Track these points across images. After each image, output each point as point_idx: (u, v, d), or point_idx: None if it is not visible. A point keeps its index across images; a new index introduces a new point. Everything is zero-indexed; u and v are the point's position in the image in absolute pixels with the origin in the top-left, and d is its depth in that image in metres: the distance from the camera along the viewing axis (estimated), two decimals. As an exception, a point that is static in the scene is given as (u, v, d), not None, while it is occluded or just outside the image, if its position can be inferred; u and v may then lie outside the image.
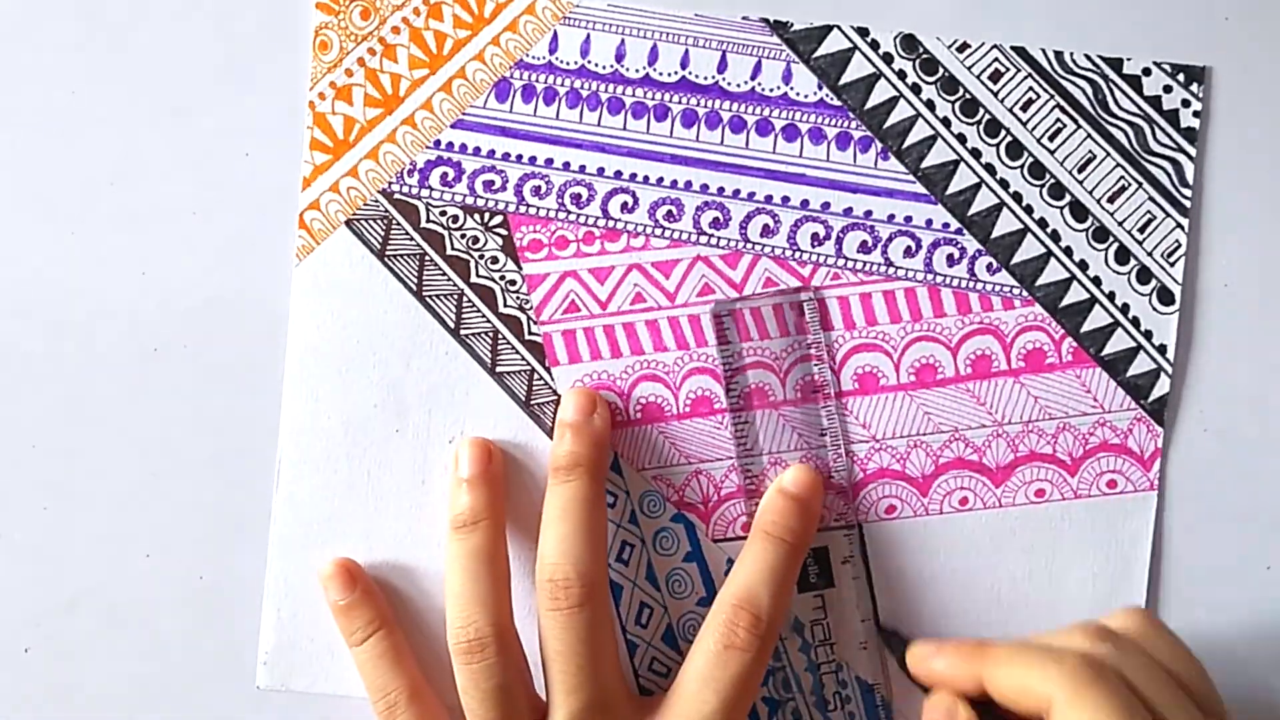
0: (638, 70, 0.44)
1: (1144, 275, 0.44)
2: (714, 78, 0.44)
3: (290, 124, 0.44)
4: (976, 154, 0.44)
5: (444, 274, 0.44)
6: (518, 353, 0.44)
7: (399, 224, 0.44)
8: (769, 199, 0.44)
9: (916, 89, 0.44)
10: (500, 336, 0.44)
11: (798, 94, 0.44)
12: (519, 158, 0.44)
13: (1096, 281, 0.44)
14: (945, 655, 0.40)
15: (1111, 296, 0.44)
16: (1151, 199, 0.44)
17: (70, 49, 0.44)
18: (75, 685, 0.45)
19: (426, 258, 0.44)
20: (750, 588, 0.41)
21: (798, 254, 0.44)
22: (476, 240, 0.44)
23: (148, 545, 0.45)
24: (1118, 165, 0.44)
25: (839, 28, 0.44)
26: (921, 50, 0.44)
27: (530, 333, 0.44)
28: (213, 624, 0.44)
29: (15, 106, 0.44)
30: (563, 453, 0.42)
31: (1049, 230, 0.44)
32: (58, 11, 0.44)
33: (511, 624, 0.42)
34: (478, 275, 0.44)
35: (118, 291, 0.44)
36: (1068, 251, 0.44)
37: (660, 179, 0.44)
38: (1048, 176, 0.44)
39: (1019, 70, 0.44)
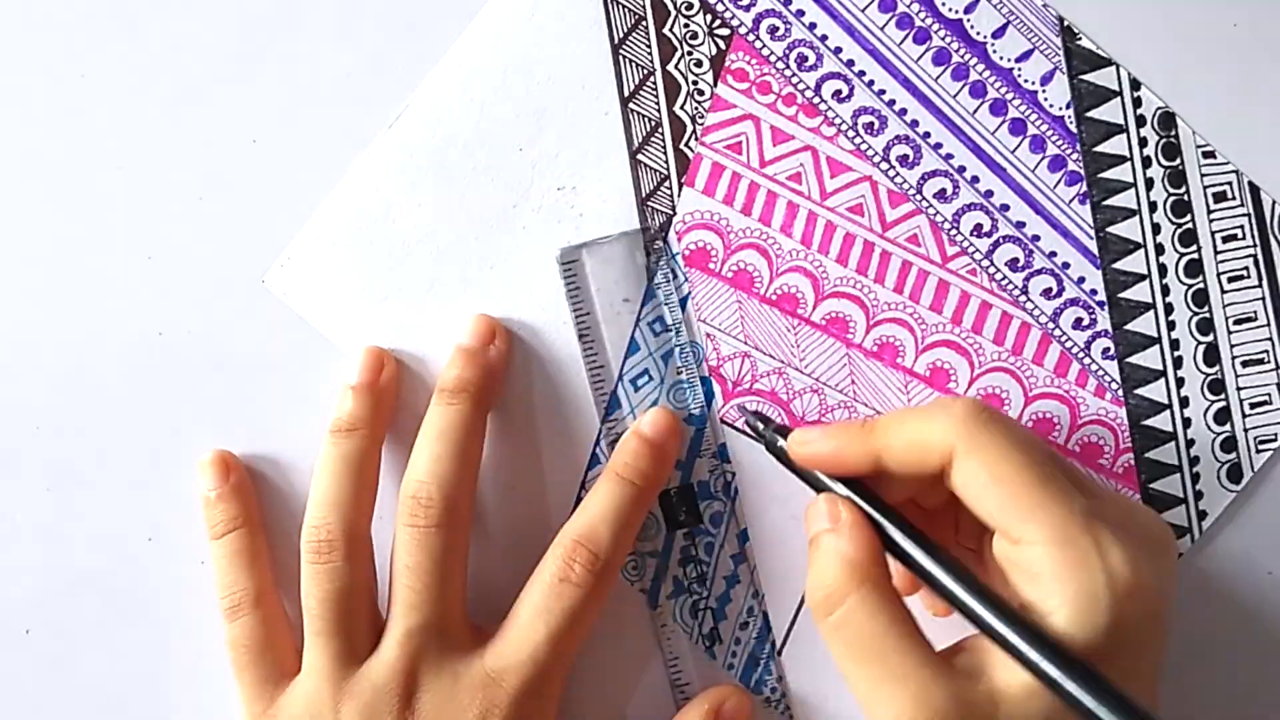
0: (926, -13, 0.44)
1: (1229, 445, 0.44)
2: (986, 39, 0.44)
3: (297, 110, 0.44)
4: (1160, 250, 0.44)
5: (648, 45, 0.44)
6: (664, 152, 0.44)
7: (640, -21, 0.44)
8: (961, 169, 0.44)
9: (1147, 162, 0.44)
10: (659, 129, 0.44)
11: (1046, 100, 0.44)
12: (777, -8, 0.44)
13: (1186, 423, 0.44)
14: (833, 436, 0.38)
15: (1190, 444, 0.44)
16: (1279, 385, 0.44)
17: (80, 32, 0.44)
18: (75, 667, 0.44)
19: (644, 22, 0.44)
20: (593, 526, 0.41)
21: (954, 233, 0.44)
22: (695, 36, 0.44)
23: (150, 529, 0.44)
24: (1270, 338, 0.44)
25: (1119, 67, 0.44)
26: (1173, 134, 0.44)
27: (687, 143, 0.44)
28: (214, 609, 0.43)
29: (24, 89, 0.44)
30: (450, 376, 0.42)
31: (1176, 355, 0.44)
32: None
33: (367, 534, 0.42)
34: (675, 66, 0.44)
35: (124, 275, 0.44)
36: (1180, 382, 0.44)
37: (882, 90, 0.44)
38: (1206, 309, 0.44)
39: (1242, 204, 0.44)
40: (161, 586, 0.44)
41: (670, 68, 0.44)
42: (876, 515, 0.37)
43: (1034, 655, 0.33)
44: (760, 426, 0.42)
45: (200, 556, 0.44)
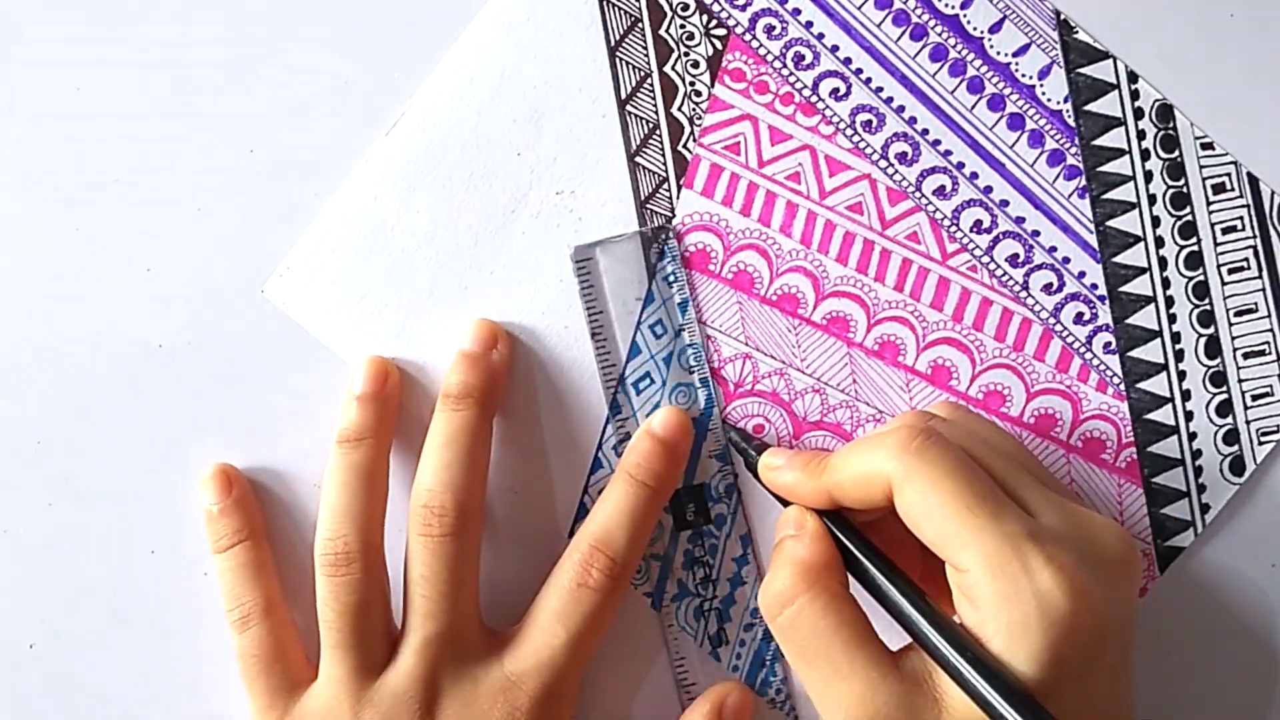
0: (922, -17, 0.44)
1: (1231, 437, 0.44)
2: (982, 34, 0.44)
3: (295, 119, 0.44)
4: (1160, 242, 0.44)
5: (644, 47, 0.44)
6: (663, 154, 0.44)
7: (634, -20, 0.44)
8: (960, 165, 0.44)
9: (1145, 155, 0.44)
10: (657, 131, 0.44)
11: (1044, 94, 0.44)
12: (773, -9, 0.44)
13: (1189, 416, 0.44)
14: (792, 468, 0.39)
15: (1193, 437, 0.44)
16: (1281, 377, 0.44)
17: (74, 44, 0.44)
18: (79, 681, 0.44)
19: (640, 24, 0.44)
20: (609, 530, 0.41)
21: (953, 230, 0.44)
22: (692, 37, 0.44)
23: (152, 541, 0.44)
24: (1271, 329, 0.44)
25: (1116, 61, 0.44)
26: (1170, 126, 0.44)
27: (685, 145, 0.44)
28: (217, 621, 0.43)
29: (20, 101, 0.44)
30: (455, 381, 0.42)
31: (1178, 348, 0.44)
32: (62, 5, 0.44)
33: (380, 544, 0.42)
34: (672, 67, 0.44)
35: (122, 287, 0.44)
36: (1181, 375, 0.44)
37: (880, 88, 0.44)
38: (1206, 301, 0.44)
39: (1241, 195, 0.44)
40: (165, 599, 0.44)
41: (667, 69, 0.44)
42: (832, 528, 0.38)
43: (968, 673, 0.34)
44: (741, 444, 0.42)
45: (204, 568, 0.44)
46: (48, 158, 0.44)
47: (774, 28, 0.44)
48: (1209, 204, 0.44)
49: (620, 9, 0.44)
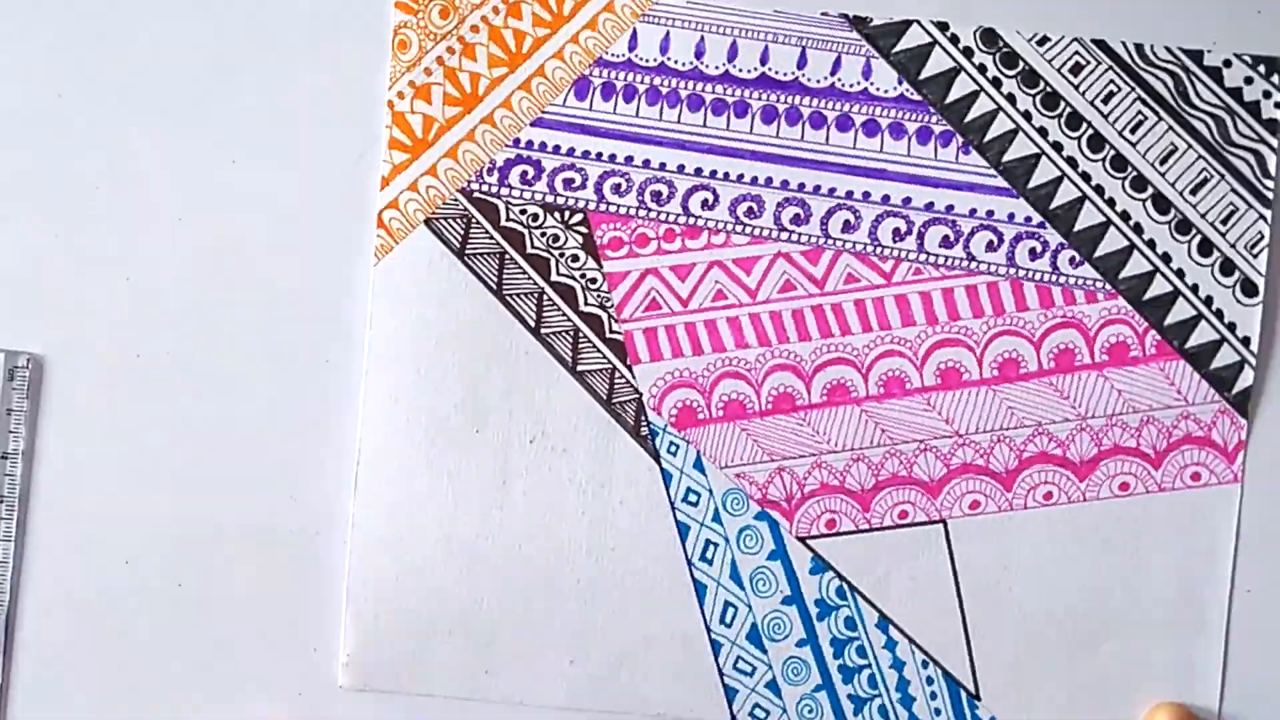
0: (717, 67, 0.44)
1: (1227, 267, 0.44)
2: (793, 74, 0.44)
3: (276, 130, 0.44)
4: (1058, 147, 0.44)
5: (524, 272, 0.44)
6: (599, 351, 0.44)
7: (479, 223, 0.44)
8: (850, 195, 0.44)
9: (997, 83, 0.44)
10: (581, 335, 0.44)
11: (878, 89, 0.44)
12: (599, 155, 0.44)
13: (1180, 274, 0.44)
14: None
15: (1195, 289, 0.44)
16: (1234, 190, 0.44)
17: (56, 52, 0.44)
18: None
19: (507, 256, 0.44)
20: None
21: (879, 249, 0.44)
22: (557, 238, 0.44)
23: (125, 553, 0.44)
24: (1200, 158, 0.44)
25: (918, 22, 0.44)
26: (1001, 44, 0.44)
27: (611, 331, 0.44)
28: (181, 635, 0.44)
29: (1, 108, 0.44)
30: None
31: (1131, 223, 0.44)
32: (45, 13, 0.44)
33: None
34: (558, 273, 0.44)
35: (101, 296, 0.44)
36: (1150, 244, 0.44)
37: (740, 175, 0.44)
38: (1129, 169, 0.44)
39: (1099, 63, 0.44)
40: (139, 609, 0.44)
41: (554, 278, 0.44)
42: None
43: None
44: None
45: (176, 579, 0.44)
46: (27, 167, 0.44)
47: (619, 184, 0.44)
48: (1077, 87, 0.44)
49: (482, 255, 0.44)
